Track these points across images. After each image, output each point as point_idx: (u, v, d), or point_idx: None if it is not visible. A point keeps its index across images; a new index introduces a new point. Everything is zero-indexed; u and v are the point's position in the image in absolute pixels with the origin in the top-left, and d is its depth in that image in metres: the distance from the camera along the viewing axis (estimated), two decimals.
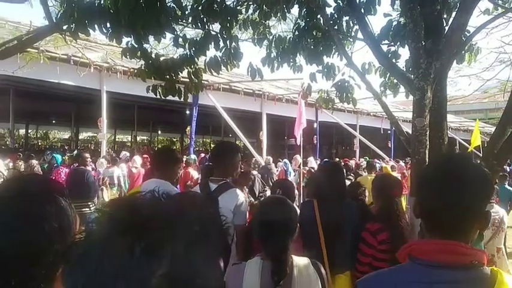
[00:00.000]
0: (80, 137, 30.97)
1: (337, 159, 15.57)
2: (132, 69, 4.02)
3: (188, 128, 11.88)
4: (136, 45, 3.68)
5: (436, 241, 1.10)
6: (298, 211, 2.47)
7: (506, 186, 8.22)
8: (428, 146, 2.77)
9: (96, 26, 3.28)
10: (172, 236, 0.51)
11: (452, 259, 1.04)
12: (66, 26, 3.35)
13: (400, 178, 5.61)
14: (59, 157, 9.78)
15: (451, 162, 1.17)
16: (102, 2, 3.27)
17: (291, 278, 1.67)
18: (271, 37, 4.33)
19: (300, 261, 1.76)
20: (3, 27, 6.59)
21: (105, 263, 0.49)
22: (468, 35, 3.24)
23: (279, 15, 3.97)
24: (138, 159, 9.37)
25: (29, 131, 26.65)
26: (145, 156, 9.97)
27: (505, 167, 13.04)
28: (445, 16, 3.27)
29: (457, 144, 19.57)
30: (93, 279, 0.49)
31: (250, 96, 12.87)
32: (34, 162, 8.83)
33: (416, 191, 1.22)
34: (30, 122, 24.67)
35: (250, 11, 4.23)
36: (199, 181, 6.46)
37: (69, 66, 8.74)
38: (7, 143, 23.77)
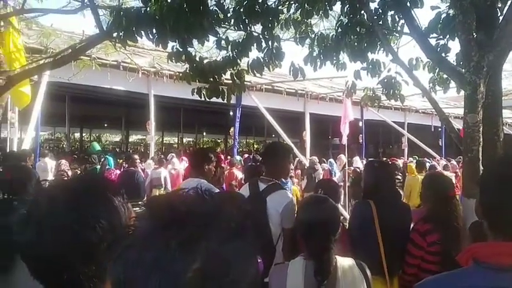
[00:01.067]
0: (130, 140, 32.30)
1: (384, 158, 15.11)
2: (177, 73, 4.16)
3: (232, 129, 12.05)
4: (181, 49, 3.80)
5: (502, 243, 1.06)
6: (345, 211, 2.43)
7: None
8: (481, 144, 2.63)
9: (143, 32, 3.43)
10: (207, 233, 0.53)
11: None
12: (116, 33, 3.53)
13: (453, 178, 5.37)
14: (111, 159, 10.28)
15: None
16: (148, 9, 3.41)
17: (335, 278, 1.66)
18: (313, 35, 4.30)
19: (344, 261, 1.74)
20: (58, 37, 7.04)
21: (144, 256, 0.52)
22: None
23: (321, 13, 3.93)
24: (176, 160, 9.73)
25: (83, 134, 28.24)
26: (183, 157, 10.45)
27: None
28: (499, 5, 3.09)
29: None
30: (132, 271, 0.52)
31: (292, 96, 12.81)
32: (87, 165, 9.37)
33: (479, 190, 1.18)
34: (84, 126, 26.13)
35: (292, 10, 4.22)
36: (243, 181, 6.56)
37: (118, 72, 9.17)
38: (63, 146, 25.36)
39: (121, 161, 12.04)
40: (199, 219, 0.55)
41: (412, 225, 2.90)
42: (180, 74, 4.37)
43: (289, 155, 3.01)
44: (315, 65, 4.31)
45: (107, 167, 9.41)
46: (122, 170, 8.75)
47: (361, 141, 15.44)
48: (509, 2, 2.91)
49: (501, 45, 2.61)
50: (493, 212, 1.10)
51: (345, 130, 9.14)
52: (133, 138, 35.41)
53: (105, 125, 27.29)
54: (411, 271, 2.79)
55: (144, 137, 23.91)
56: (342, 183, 9.53)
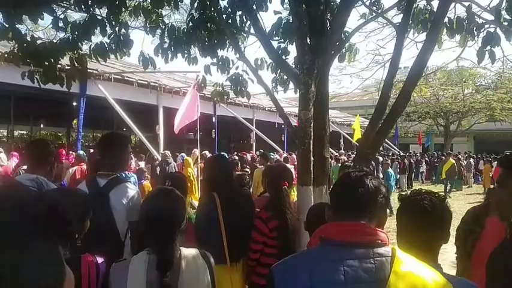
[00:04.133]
0: None
1: (235, 152, 15.88)
2: (5, 53, 3.54)
3: (75, 121, 10.94)
4: (7, 25, 3.25)
5: (346, 223, 1.25)
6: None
7: (390, 170, 11.82)
8: (312, 137, 2.97)
9: None
10: None
11: (360, 239, 1.21)
12: None
13: (293, 169, 5.96)
14: None
15: (350, 177, 1.37)
16: None
17: (179, 269, 1.65)
18: (163, 27, 4.19)
19: (188, 252, 1.74)
20: None
21: None
22: (347, 35, 3.55)
23: (172, 3, 3.85)
24: (3, 156, 8.75)
25: None
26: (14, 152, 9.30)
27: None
28: (328, 17, 3.54)
29: (342, 138, 21.47)
30: None
31: (145, 88, 12.34)
32: None
33: (331, 193, 1.46)
34: None
35: None
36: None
37: None
38: None
39: None
40: None
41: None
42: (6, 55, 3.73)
43: (126, 145, 2.85)
44: (166, 56, 4.21)
45: None
46: None
47: (214, 136, 15.87)
48: (334, 15, 3.35)
49: (328, 51, 2.99)
50: (338, 204, 1.35)
51: (191, 122, 9.15)
52: None
53: None
54: (254, 256, 2.98)
55: None
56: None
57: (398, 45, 3.20)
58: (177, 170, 9.16)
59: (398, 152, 24.59)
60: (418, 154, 23.69)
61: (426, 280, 1.13)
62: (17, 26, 3.32)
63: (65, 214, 0.58)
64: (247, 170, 9.80)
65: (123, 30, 3.63)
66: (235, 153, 15.22)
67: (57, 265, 0.53)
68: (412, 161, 19.75)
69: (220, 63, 4.38)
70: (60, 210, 0.57)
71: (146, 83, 12.27)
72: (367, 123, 3.40)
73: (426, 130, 32.26)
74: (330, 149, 3.98)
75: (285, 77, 4.47)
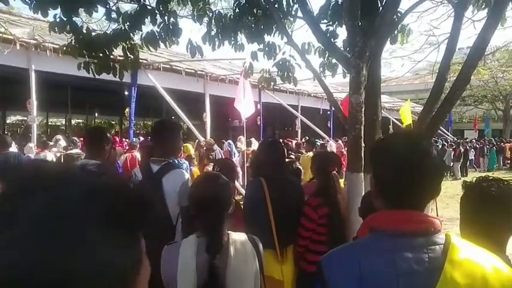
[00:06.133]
0: (8, 121, 28.67)
1: (280, 139, 15.84)
2: (63, 46, 3.73)
3: (127, 110, 11.39)
4: (64, 19, 3.41)
5: (397, 211, 1.15)
6: (243, 190, 2.45)
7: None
8: (363, 123, 2.88)
9: None
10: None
11: (413, 227, 1.11)
12: None
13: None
14: None
15: (408, 142, 1.18)
16: None
17: (227, 253, 1.66)
18: (211, 14, 4.21)
19: (237, 236, 1.76)
20: None
21: None
22: (400, 15, 3.37)
23: None
24: (63, 142, 9.08)
25: None
26: (74, 138, 9.74)
27: None
28: None
29: (391, 124, 20.74)
30: None
31: (192, 76, 12.56)
32: None
33: (372, 166, 1.26)
34: None
35: None
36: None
37: None
38: None
39: None
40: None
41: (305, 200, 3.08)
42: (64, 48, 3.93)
43: (178, 132, 2.91)
44: (213, 44, 4.25)
45: None
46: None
47: (259, 123, 15.92)
48: None
49: (381, 32, 2.86)
50: (389, 186, 1.18)
51: (245, 110, 9.23)
52: (11, 119, 31.56)
53: None
54: (303, 243, 2.96)
55: (25, 118, 21.36)
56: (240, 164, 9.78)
57: (456, 23, 2.98)
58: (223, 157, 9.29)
59: (453, 138, 23.40)
60: (473, 140, 22.41)
61: (486, 268, 1.02)
62: (73, 19, 3.47)
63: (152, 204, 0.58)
64: (292, 156, 9.75)
65: (172, 19, 3.68)
66: (280, 140, 15.17)
67: (134, 253, 0.53)
68: (467, 147, 18.72)
69: (266, 49, 4.34)
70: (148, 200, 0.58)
71: (193, 71, 12.48)
72: (418, 108, 3.23)
73: (483, 115, 30.35)
74: None
75: (334, 61, 4.36)
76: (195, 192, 1.78)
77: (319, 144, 10.56)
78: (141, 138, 12.27)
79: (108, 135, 3.05)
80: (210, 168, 6.43)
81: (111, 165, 3.90)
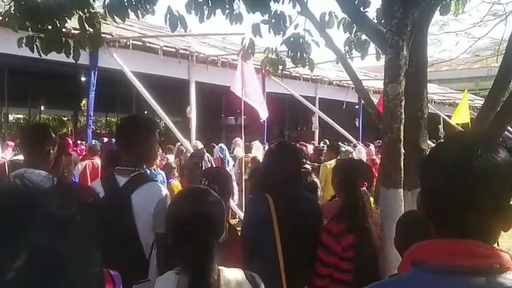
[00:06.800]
0: None
1: (292, 143, 15.81)
2: None
3: (84, 102, 11.40)
4: None
5: (449, 240, 1.14)
6: (241, 211, 2.45)
7: None
8: (403, 121, 2.88)
9: None
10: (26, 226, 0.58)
11: (469, 262, 1.09)
12: None
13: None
14: None
15: (470, 149, 1.15)
16: None
17: None
18: None
19: (231, 274, 1.76)
20: None
21: None
22: None
23: None
24: None
25: None
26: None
27: None
28: None
29: (441, 123, 20.74)
30: None
31: (172, 57, 12.56)
32: None
33: (420, 178, 1.26)
34: None
35: None
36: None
37: None
38: None
39: None
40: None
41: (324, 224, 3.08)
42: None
43: (153, 132, 2.93)
44: (201, 13, 4.26)
45: None
46: None
47: (262, 120, 15.92)
48: None
49: (426, 1, 2.87)
50: (440, 205, 1.18)
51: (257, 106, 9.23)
52: None
53: None
54: (322, 283, 2.96)
55: None
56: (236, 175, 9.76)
57: None
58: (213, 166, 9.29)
59: None
60: None
61: None
62: None
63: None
64: (307, 166, 9.73)
65: None
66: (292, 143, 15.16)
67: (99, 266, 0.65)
68: None
69: (273, 20, 4.35)
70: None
71: (174, 50, 12.49)
72: (478, 102, 3.23)
73: None
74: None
75: (364, 37, 4.37)
76: (175, 213, 1.79)
77: (343, 149, 10.55)
78: (105, 140, 12.31)
79: (53, 134, 3.04)
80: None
81: (61, 176, 3.91)
